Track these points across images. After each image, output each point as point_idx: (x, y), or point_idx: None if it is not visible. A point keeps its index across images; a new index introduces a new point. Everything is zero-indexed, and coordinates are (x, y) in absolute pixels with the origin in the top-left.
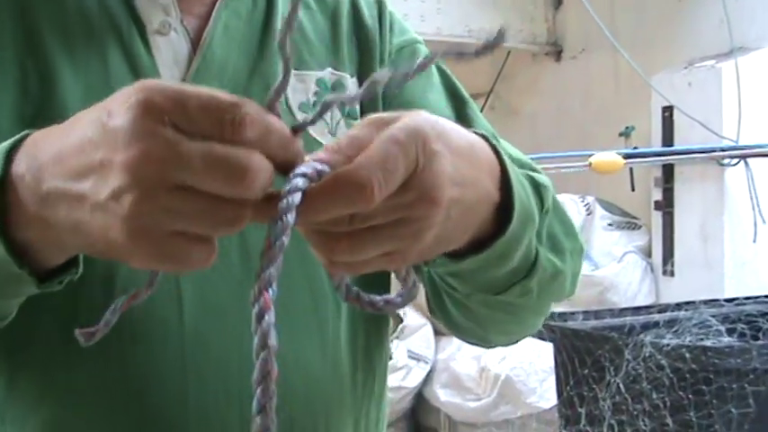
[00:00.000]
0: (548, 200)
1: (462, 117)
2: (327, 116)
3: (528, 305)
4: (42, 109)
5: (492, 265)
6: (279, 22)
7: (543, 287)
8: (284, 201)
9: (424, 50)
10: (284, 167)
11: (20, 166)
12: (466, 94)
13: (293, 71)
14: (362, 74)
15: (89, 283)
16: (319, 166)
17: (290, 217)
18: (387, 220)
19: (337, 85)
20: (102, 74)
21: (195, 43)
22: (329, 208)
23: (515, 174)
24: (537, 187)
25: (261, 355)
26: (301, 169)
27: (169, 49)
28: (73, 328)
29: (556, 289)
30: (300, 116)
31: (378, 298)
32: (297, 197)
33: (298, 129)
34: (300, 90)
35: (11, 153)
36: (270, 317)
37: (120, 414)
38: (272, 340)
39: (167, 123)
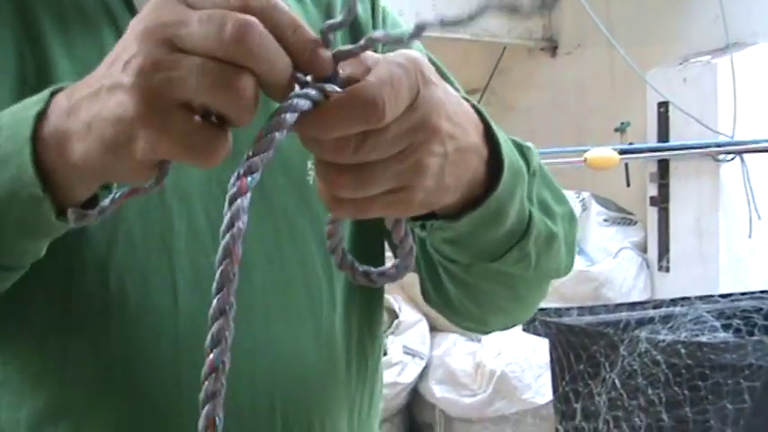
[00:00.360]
0: (533, 161)
1: None
2: None
3: (526, 276)
4: None
5: (489, 225)
6: None
7: (540, 252)
8: (289, 101)
9: (417, 44)
10: (301, 59)
11: (61, 95)
12: (459, 88)
13: None
14: None
15: (83, 270)
16: (337, 88)
17: (290, 117)
18: (390, 151)
19: None
20: (97, 63)
21: None
22: (341, 123)
23: (499, 131)
24: (521, 148)
25: (226, 236)
26: (317, 83)
27: None
28: (67, 317)
29: (552, 256)
30: None
31: (373, 269)
32: (303, 103)
33: (340, 56)
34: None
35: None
36: (243, 201)
37: (114, 399)
38: (241, 224)
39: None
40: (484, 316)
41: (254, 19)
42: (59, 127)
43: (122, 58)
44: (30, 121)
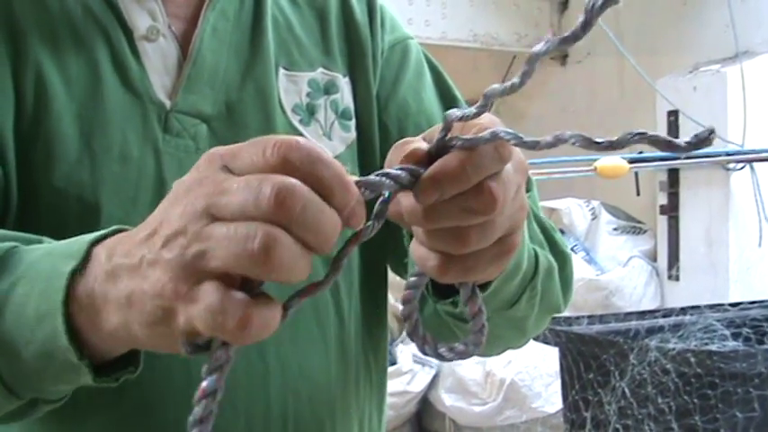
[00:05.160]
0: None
1: None
2: (322, 117)
3: (533, 315)
4: (38, 127)
5: (511, 277)
6: (268, 21)
7: (544, 286)
8: (378, 206)
9: (415, 47)
10: (340, 216)
11: (100, 251)
12: (457, 94)
13: (284, 72)
14: (355, 73)
15: None
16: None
17: (377, 225)
18: (495, 237)
19: (330, 86)
20: (92, 85)
21: (183, 48)
22: (455, 218)
23: None
24: None
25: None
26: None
27: (158, 56)
28: None
29: (553, 288)
30: (294, 118)
31: (443, 345)
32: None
33: (459, 143)
34: (293, 92)
35: (99, 240)
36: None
37: (128, 431)
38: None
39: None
40: (489, 352)
41: (293, 182)
42: (98, 291)
43: (163, 232)
44: (64, 279)
